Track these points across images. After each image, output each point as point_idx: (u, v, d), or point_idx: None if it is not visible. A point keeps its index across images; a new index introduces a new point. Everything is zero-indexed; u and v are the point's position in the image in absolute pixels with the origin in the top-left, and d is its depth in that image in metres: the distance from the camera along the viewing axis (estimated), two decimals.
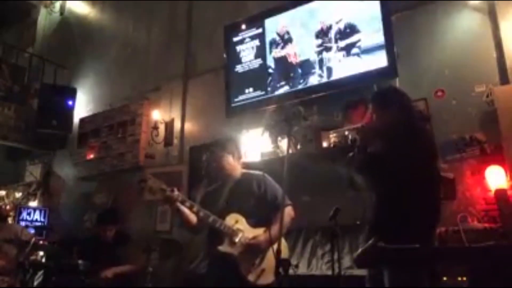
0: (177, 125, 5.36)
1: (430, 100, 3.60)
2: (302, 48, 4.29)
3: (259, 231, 2.63)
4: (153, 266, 3.81)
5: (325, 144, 3.81)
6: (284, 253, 2.40)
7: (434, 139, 2.55)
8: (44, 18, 8.13)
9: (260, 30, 4.62)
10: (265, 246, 2.56)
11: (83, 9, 7.51)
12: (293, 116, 2.32)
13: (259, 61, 4.57)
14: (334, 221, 2.46)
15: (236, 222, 2.63)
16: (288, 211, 2.64)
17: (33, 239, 4.28)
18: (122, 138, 5.76)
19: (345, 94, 3.84)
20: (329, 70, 4.07)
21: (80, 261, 3.85)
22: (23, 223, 5.83)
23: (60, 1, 7.89)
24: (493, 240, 2.88)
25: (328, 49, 4.11)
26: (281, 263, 1.97)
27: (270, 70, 4.48)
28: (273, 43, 4.51)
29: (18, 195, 6.83)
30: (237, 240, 2.57)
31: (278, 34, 4.49)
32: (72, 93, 6.56)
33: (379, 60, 3.75)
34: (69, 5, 7.79)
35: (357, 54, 3.92)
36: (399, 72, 3.63)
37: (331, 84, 4.03)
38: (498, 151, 3.25)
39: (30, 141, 6.71)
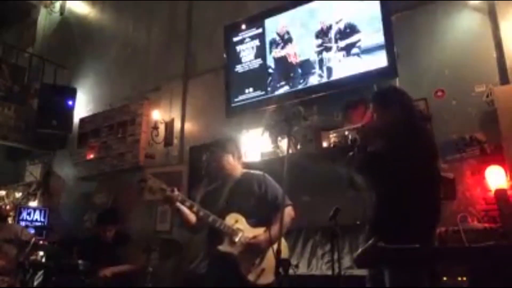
0: (177, 125, 5.35)
1: (430, 100, 3.60)
2: (302, 48, 4.29)
3: (259, 231, 2.63)
4: (153, 266, 3.81)
5: (325, 144, 3.81)
6: (284, 253, 2.39)
7: (434, 139, 2.54)
8: (44, 18, 8.13)
9: (260, 30, 4.62)
10: (265, 245, 2.56)
11: (83, 9, 7.51)
12: (293, 116, 2.32)
13: (259, 61, 4.57)
14: (334, 221, 2.46)
15: (236, 221, 2.63)
16: (288, 211, 2.64)
17: (33, 239, 4.28)
18: (122, 138, 5.76)
19: (345, 94, 3.84)
20: (329, 70, 4.07)
21: (80, 261, 3.85)
22: (23, 223, 5.83)
23: (60, 1, 7.89)
24: (493, 240, 2.87)
25: (328, 49, 4.11)
26: (281, 263, 1.97)
27: (270, 70, 4.48)
28: (273, 43, 4.51)
29: (18, 195, 6.83)
30: (237, 239, 2.58)
31: (278, 34, 4.49)
32: (72, 93, 6.56)
33: (379, 60, 3.75)
34: (69, 5, 7.79)
35: (357, 54, 3.92)
36: (399, 72, 3.63)
37: (331, 84, 4.03)
38: (498, 151, 3.25)
39: (30, 141, 6.71)
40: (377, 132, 2.36)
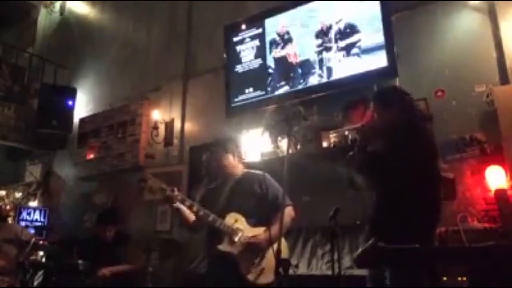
0: (177, 125, 5.36)
1: (430, 100, 3.60)
2: (302, 48, 4.29)
3: (259, 231, 2.62)
4: (153, 266, 3.81)
5: (325, 144, 3.81)
6: (284, 253, 2.39)
7: (434, 138, 2.54)
8: (44, 18, 8.14)
9: (260, 30, 4.62)
10: (265, 245, 2.55)
11: (83, 9, 7.51)
12: (293, 116, 2.32)
13: (259, 61, 4.57)
14: (334, 221, 2.46)
15: (236, 221, 2.63)
16: (289, 211, 2.64)
17: (33, 239, 4.29)
18: (122, 138, 5.76)
19: (345, 94, 3.84)
20: (329, 70, 4.07)
21: (80, 261, 3.86)
22: (23, 223, 5.83)
23: (60, 1, 7.89)
24: (493, 240, 2.87)
25: (328, 49, 4.11)
26: (281, 263, 1.97)
27: (270, 70, 4.48)
28: (273, 43, 4.51)
29: (18, 195, 6.83)
30: (236, 239, 2.57)
31: (278, 34, 4.49)
32: (72, 93, 6.56)
33: (379, 60, 3.75)
34: (69, 5, 7.79)
35: (357, 54, 3.92)
36: (399, 72, 3.63)
37: (331, 84, 4.03)
38: (498, 151, 3.25)
39: (30, 141, 6.72)
40: (377, 132, 2.36)
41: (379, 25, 3.79)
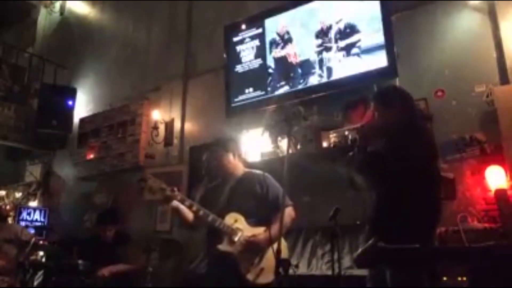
0: (177, 125, 5.36)
1: (430, 100, 3.60)
2: (302, 48, 4.29)
3: (259, 231, 2.62)
4: (153, 266, 3.81)
5: (325, 144, 3.81)
6: (284, 253, 2.39)
7: (434, 138, 2.54)
8: (44, 18, 8.13)
9: (260, 30, 4.62)
10: (265, 245, 2.55)
11: (83, 9, 7.51)
12: (293, 116, 2.32)
13: (259, 61, 4.57)
14: (334, 221, 2.46)
15: (235, 221, 2.63)
16: (289, 212, 2.64)
17: (33, 239, 4.29)
18: (122, 138, 5.76)
19: (345, 94, 3.84)
20: (329, 70, 4.07)
21: (80, 261, 3.86)
22: (23, 223, 5.83)
23: (60, 1, 7.89)
24: (493, 240, 2.87)
25: (328, 49, 4.10)
26: (281, 263, 1.97)
27: (270, 70, 4.48)
28: (273, 43, 4.51)
29: (18, 195, 6.83)
30: (236, 239, 2.58)
31: (278, 34, 4.49)
32: (72, 93, 6.56)
33: (379, 60, 3.75)
34: (69, 5, 7.79)
35: (357, 54, 3.92)
36: (399, 72, 3.63)
37: (331, 84, 4.03)
38: (498, 151, 3.25)
39: (30, 141, 6.71)
40: (377, 132, 2.36)
41: (379, 25, 3.79)
